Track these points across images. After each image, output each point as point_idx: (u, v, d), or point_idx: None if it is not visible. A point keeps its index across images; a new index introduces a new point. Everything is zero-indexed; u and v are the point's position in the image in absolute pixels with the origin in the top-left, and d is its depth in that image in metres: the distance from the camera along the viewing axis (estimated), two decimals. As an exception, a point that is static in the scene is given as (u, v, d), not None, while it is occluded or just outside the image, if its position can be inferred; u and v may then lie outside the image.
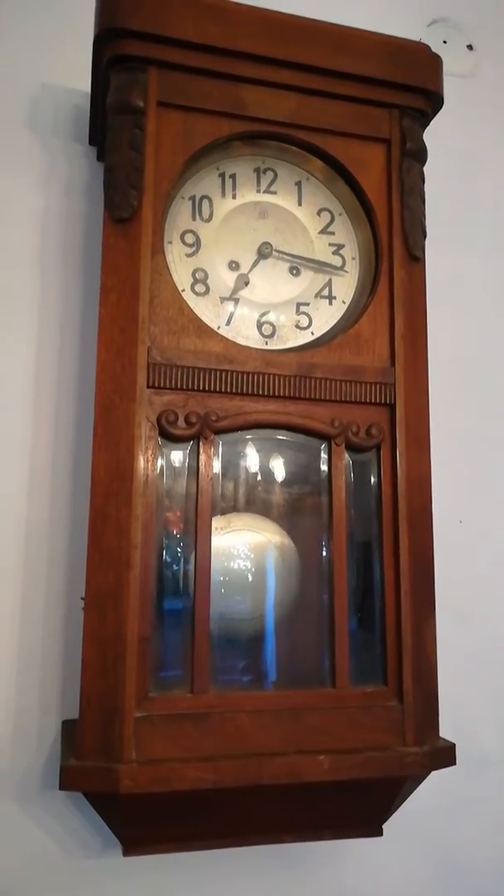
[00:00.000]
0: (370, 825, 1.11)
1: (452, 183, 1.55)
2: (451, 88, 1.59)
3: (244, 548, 1.10)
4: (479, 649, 1.40)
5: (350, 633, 1.06)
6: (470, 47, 1.64)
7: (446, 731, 1.09)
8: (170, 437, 1.02)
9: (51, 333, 1.26)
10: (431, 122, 1.52)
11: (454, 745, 1.06)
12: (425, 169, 1.51)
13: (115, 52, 1.07)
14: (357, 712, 1.02)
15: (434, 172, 1.52)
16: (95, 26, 1.08)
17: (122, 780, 0.91)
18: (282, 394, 1.07)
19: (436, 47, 1.59)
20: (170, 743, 0.95)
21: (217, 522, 1.08)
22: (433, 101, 1.21)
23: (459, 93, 1.60)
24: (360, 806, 1.06)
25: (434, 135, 1.53)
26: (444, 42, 1.62)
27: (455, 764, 1.06)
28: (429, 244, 1.46)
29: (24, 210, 1.29)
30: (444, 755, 1.05)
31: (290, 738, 0.99)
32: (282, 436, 1.12)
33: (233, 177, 1.15)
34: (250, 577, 1.10)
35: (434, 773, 1.06)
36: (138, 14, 1.06)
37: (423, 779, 1.06)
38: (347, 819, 1.08)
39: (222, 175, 1.14)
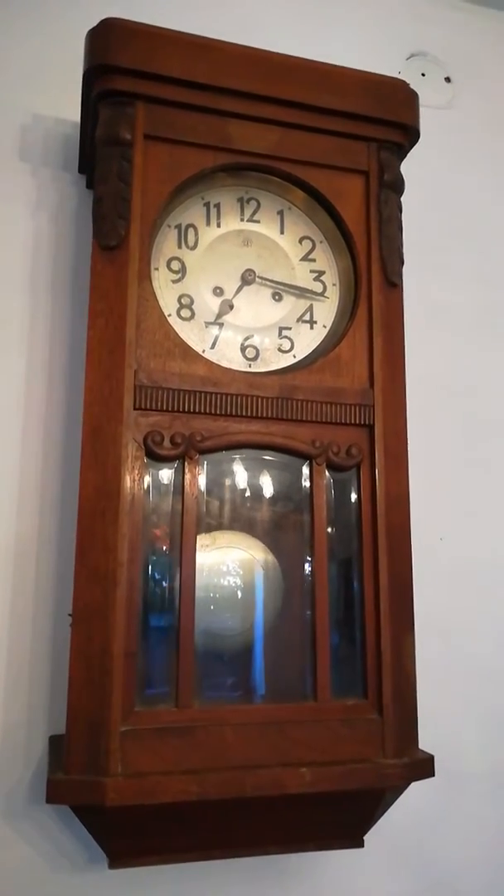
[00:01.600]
0: (352, 836, 1.13)
1: (430, 211, 1.61)
2: (428, 120, 1.64)
3: (229, 564, 1.13)
4: (458, 664, 1.43)
5: (331, 648, 1.08)
6: (447, 79, 1.70)
7: (426, 744, 1.12)
8: (156, 457, 1.06)
9: (40, 355, 1.29)
10: (410, 152, 1.60)
11: (433, 756, 1.09)
12: (404, 197, 1.57)
13: (104, 86, 1.12)
14: (338, 725, 1.05)
15: (413, 201, 1.58)
16: (85, 62, 1.13)
17: (107, 793, 0.93)
18: (264, 415, 1.10)
19: (414, 80, 1.66)
20: (155, 756, 0.97)
21: (203, 540, 1.12)
22: (410, 135, 1.26)
23: (437, 124, 1.66)
24: (342, 817, 1.08)
25: (412, 164, 1.59)
26: (423, 75, 1.68)
27: (434, 775, 1.08)
28: (407, 270, 1.52)
29: (15, 236, 1.32)
30: (423, 767, 1.07)
31: (273, 751, 1.01)
32: (266, 455, 1.16)
33: (217, 206, 1.19)
34: (235, 594, 1.13)
35: (414, 785, 1.09)
36: (127, 51, 1.11)
37: (403, 790, 1.08)
38: (330, 830, 1.10)
39: (207, 204, 1.19)
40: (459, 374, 1.54)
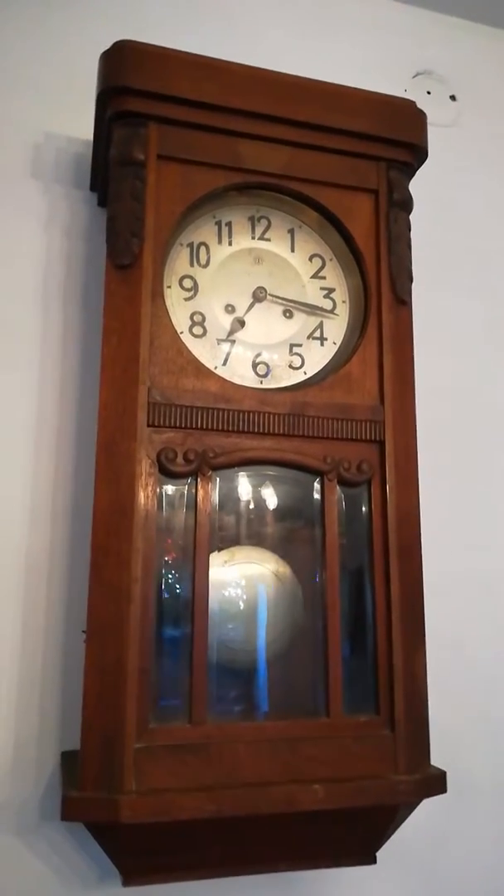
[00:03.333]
0: (364, 853, 1.13)
1: (437, 229, 1.62)
2: (434, 137, 1.67)
3: (247, 580, 1.14)
4: (471, 678, 1.43)
5: (343, 664, 1.09)
6: (453, 98, 1.72)
7: (438, 759, 1.12)
8: (169, 473, 1.06)
9: (51, 371, 1.30)
10: (418, 171, 1.61)
11: (445, 773, 1.09)
12: (411, 215, 1.59)
13: (117, 108, 1.13)
14: (350, 741, 1.05)
15: (419, 218, 1.60)
16: (99, 84, 1.14)
17: (122, 810, 0.93)
18: (276, 431, 1.11)
19: (420, 98, 1.68)
20: (169, 773, 0.97)
21: (221, 556, 1.12)
22: (418, 154, 1.27)
23: (443, 142, 1.68)
24: (354, 834, 1.09)
25: (419, 182, 1.61)
26: (428, 93, 1.70)
27: (446, 791, 1.08)
28: (415, 287, 1.53)
29: (27, 252, 1.34)
30: (436, 783, 1.08)
31: (286, 768, 1.02)
32: (281, 471, 1.17)
33: (228, 225, 1.20)
34: (254, 609, 1.13)
35: (427, 801, 1.09)
36: (140, 73, 1.12)
37: (416, 806, 1.08)
38: (342, 847, 1.10)
39: (219, 223, 1.20)
40: (471, 389, 1.55)
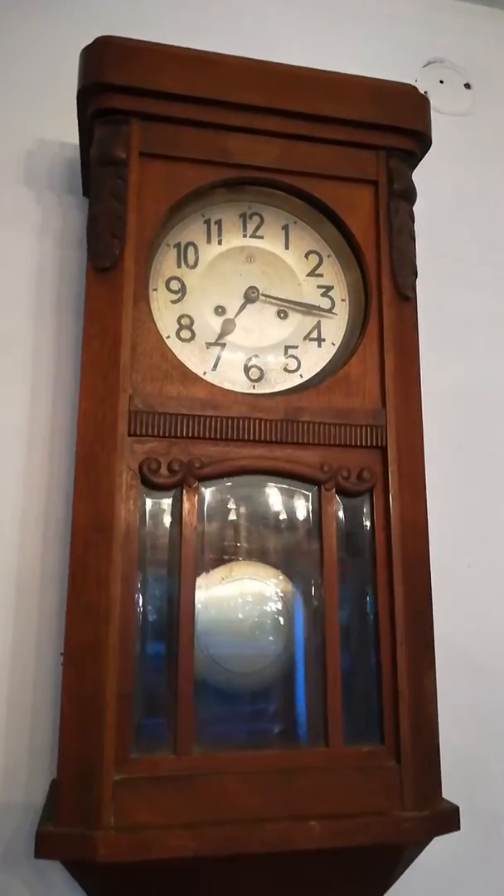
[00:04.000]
0: (371, 896, 1.04)
1: (451, 221, 1.54)
2: (448, 127, 1.59)
3: (245, 597, 1.06)
4: (494, 701, 1.32)
5: (345, 689, 1.01)
6: (467, 86, 1.63)
7: (460, 790, 1.04)
8: (152, 485, 1.00)
9: (44, 381, 1.26)
10: (429, 162, 1.53)
11: (458, 808, 0.99)
12: (424, 208, 1.50)
13: (98, 105, 1.09)
14: (352, 774, 0.97)
15: (433, 211, 1.52)
16: (79, 81, 1.10)
17: (98, 848, 0.87)
18: (268, 438, 1.04)
19: (432, 88, 1.61)
20: (151, 808, 0.91)
21: (218, 572, 1.05)
22: (421, 141, 1.19)
23: (457, 132, 1.59)
24: (357, 875, 1.00)
25: (431, 173, 1.53)
26: (441, 82, 1.62)
27: (459, 829, 0.99)
28: (427, 282, 1.44)
29: (20, 261, 1.30)
30: (447, 820, 0.98)
31: (280, 803, 0.94)
32: (279, 481, 1.09)
33: (218, 223, 1.15)
34: (250, 628, 1.05)
35: (446, 838, 1.00)
36: (121, 68, 1.08)
37: (425, 845, 0.99)
38: (345, 889, 1.01)
39: (207, 221, 1.14)
40: (487, 391, 1.45)
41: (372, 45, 1.58)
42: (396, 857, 0.97)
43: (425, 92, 1.59)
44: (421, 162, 1.49)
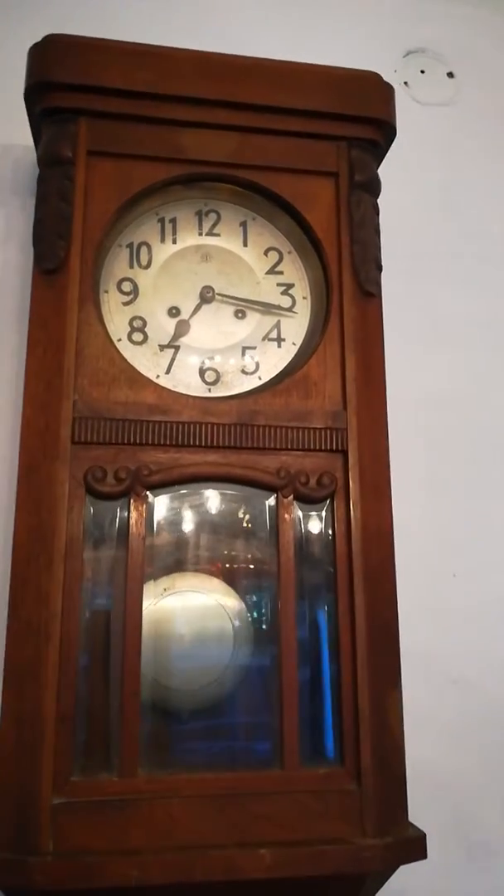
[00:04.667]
0: (334, 928, 0.98)
1: (436, 214, 1.48)
2: (429, 118, 1.54)
3: (189, 611, 1.02)
4: (479, 718, 1.25)
5: (303, 707, 0.95)
6: (450, 75, 1.58)
7: (445, 811, 0.98)
8: (98, 494, 0.96)
9: (5, 391, 1.23)
10: (412, 154, 1.48)
11: (424, 835, 0.93)
12: (408, 201, 1.46)
13: (44, 105, 1.06)
14: (308, 798, 0.91)
15: (417, 204, 1.47)
16: (26, 80, 1.07)
17: (34, 875, 0.83)
18: (222, 444, 1.00)
19: (413, 77, 1.55)
20: (92, 833, 0.86)
21: (160, 584, 1.01)
22: (385, 131, 1.14)
23: (440, 122, 1.54)
24: (315, 906, 0.94)
25: (415, 166, 1.48)
26: (422, 72, 1.56)
27: (426, 857, 0.93)
28: (409, 278, 1.40)
29: (-19, 268, 1.28)
30: (412, 848, 0.92)
31: (231, 829, 0.89)
32: (233, 489, 1.05)
33: (173, 221, 1.11)
34: (195, 644, 1.01)
35: (429, 865, 0.95)
36: (65, 66, 1.05)
37: (389, 876, 0.93)
38: (304, 922, 0.95)
39: (161, 220, 1.10)
40: (472, 392, 1.39)
41: (349, 36, 1.53)
42: (357, 889, 0.91)
43: (405, 83, 1.55)
44: (404, 155, 1.45)
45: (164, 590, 1.00)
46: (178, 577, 1.02)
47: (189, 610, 1.01)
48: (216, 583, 1.03)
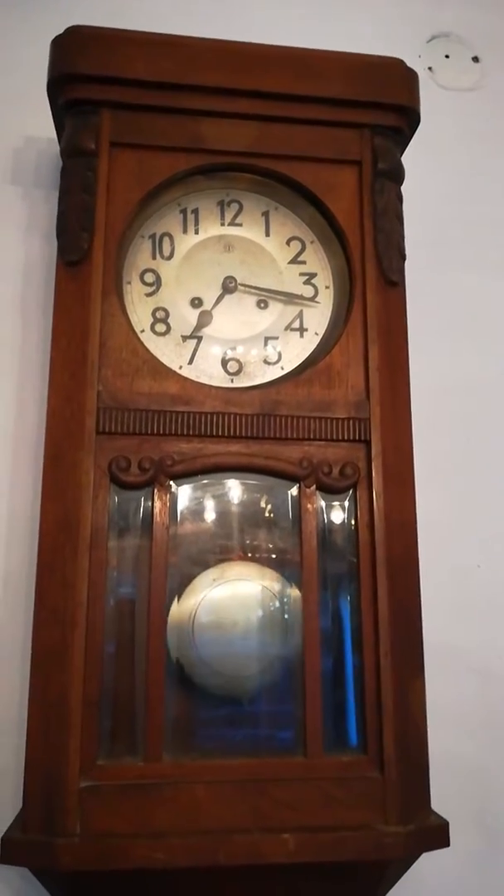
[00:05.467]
0: (355, 914, 0.99)
1: (459, 201, 1.46)
2: (455, 104, 1.52)
3: (235, 599, 1.02)
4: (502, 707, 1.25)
5: (325, 695, 0.96)
6: (476, 59, 1.55)
7: (468, 803, 0.98)
8: (122, 484, 0.97)
9: (31, 381, 1.24)
10: (437, 140, 1.46)
11: (447, 823, 0.93)
12: (432, 190, 1.44)
13: (67, 97, 1.07)
14: (331, 785, 0.92)
15: (440, 191, 1.45)
16: (48, 72, 1.08)
17: (61, 856, 0.85)
18: (245, 434, 1.00)
19: (437, 63, 1.53)
20: (117, 816, 0.88)
21: (210, 573, 1.02)
22: (409, 117, 1.13)
23: (465, 107, 1.52)
24: (338, 893, 0.95)
25: (440, 153, 1.46)
26: (447, 56, 1.54)
27: (448, 845, 0.93)
28: (433, 267, 1.38)
29: (6, 260, 1.29)
30: (435, 836, 0.92)
31: (254, 814, 0.90)
32: (257, 479, 1.05)
33: (195, 212, 1.11)
34: (247, 632, 1.01)
35: (451, 854, 0.95)
36: (87, 57, 1.05)
37: (411, 863, 0.94)
38: (326, 907, 0.96)
39: (184, 211, 1.11)
40: (499, 380, 1.37)
41: (372, 22, 1.51)
42: (379, 875, 0.92)
43: (429, 68, 1.53)
44: (429, 141, 1.43)
45: (213, 579, 1.01)
46: (228, 567, 1.03)
47: (236, 598, 1.01)
48: (268, 571, 1.03)
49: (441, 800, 0.98)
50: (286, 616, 1.03)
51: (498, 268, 1.44)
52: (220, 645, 1.00)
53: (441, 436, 1.28)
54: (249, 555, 1.05)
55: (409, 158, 1.19)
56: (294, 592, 1.02)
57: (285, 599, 1.03)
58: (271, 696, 1.01)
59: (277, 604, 1.03)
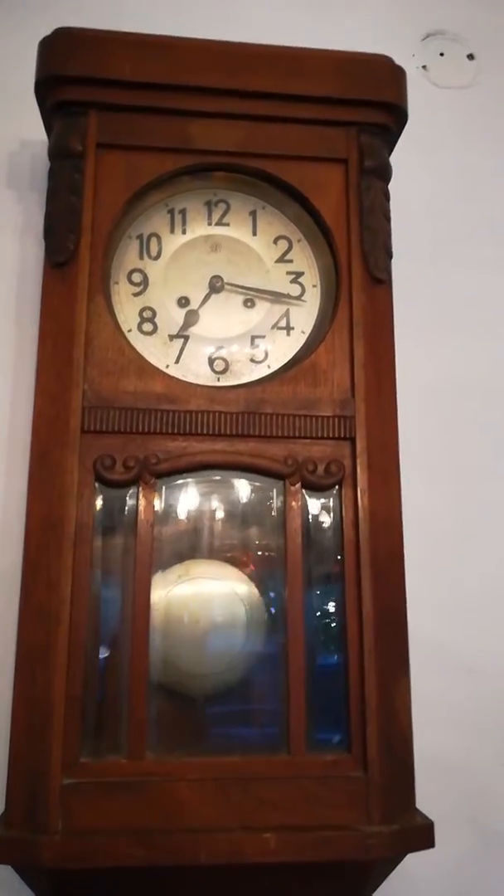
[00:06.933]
0: (341, 915, 0.98)
1: (456, 200, 1.46)
2: (449, 101, 1.52)
3: (202, 597, 1.03)
4: (493, 707, 1.24)
5: (310, 694, 0.95)
6: (471, 57, 1.55)
7: (459, 802, 0.97)
8: (107, 482, 0.98)
9: (25, 383, 1.25)
10: (431, 138, 1.46)
11: (432, 823, 0.93)
12: (428, 188, 1.44)
13: (54, 99, 1.08)
14: (314, 784, 0.92)
15: (433, 188, 1.45)
16: (35, 74, 1.09)
17: (43, 854, 0.85)
18: (229, 432, 1.00)
19: (432, 61, 1.53)
20: (100, 814, 0.88)
21: (174, 571, 1.02)
22: (396, 115, 1.13)
23: (460, 105, 1.51)
24: (322, 893, 0.94)
25: (435, 151, 1.46)
26: (441, 54, 1.54)
27: (433, 846, 0.92)
28: (426, 264, 1.38)
29: (0, 262, 1.30)
30: (420, 836, 0.92)
31: (236, 813, 0.90)
32: (241, 478, 1.05)
33: (182, 212, 1.11)
34: (207, 630, 1.01)
35: (443, 854, 0.95)
36: (74, 59, 1.06)
37: (396, 863, 0.93)
38: (311, 907, 0.96)
39: (171, 211, 1.11)
40: (485, 379, 1.36)
41: (366, 20, 1.51)
42: (364, 875, 0.91)
43: (423, 66, 1.52)
44: (423, 139, 1.43)
45: (179, 577, 1.01)
46: (193, 565, 1.03)
47: (202, 596, 1.01)
48: (231, 570, 1.04)
49: (429, 798, 0.97)
50: (249, 615, 1.02)
51: (493, 265, 1.43)
52: (179, 643, 1.00)
53: (427, 433, 1.28)
54: (228, 555, 1.05)
55: (403, 156, 1.19)
56: (258, 590, 1.02)
57: (251, 598, 1.03)
58: (252, 695, 1.01)
59: (241, 603, 1.02)
